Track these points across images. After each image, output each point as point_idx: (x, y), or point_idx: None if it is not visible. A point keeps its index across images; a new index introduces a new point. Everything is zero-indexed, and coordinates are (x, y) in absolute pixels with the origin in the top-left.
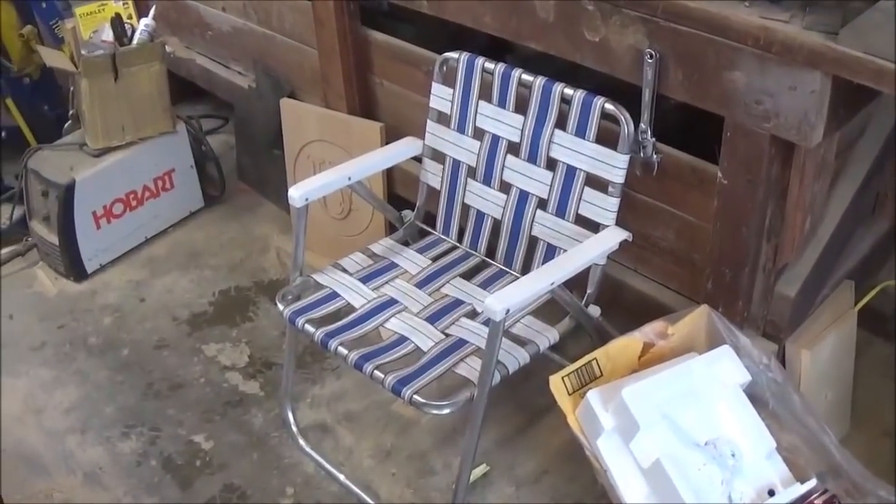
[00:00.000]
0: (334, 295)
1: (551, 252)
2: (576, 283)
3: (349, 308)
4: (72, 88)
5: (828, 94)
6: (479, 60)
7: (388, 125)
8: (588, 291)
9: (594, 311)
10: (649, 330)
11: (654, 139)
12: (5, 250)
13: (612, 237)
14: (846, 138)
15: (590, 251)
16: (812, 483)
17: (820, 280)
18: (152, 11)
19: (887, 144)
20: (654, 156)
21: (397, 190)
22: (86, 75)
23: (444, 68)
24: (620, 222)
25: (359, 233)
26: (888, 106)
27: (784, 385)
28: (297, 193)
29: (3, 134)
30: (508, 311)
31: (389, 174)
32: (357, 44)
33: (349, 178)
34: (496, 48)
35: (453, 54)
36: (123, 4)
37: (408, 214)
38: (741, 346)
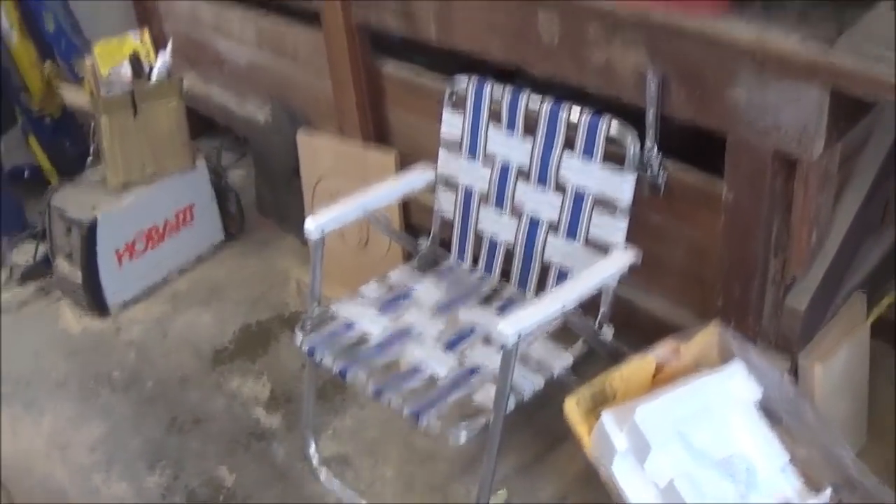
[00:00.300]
0: (352, 325)
1: (564, 275)
2: (589, 304)
3: (367, 337)
4: (92, 125)
5: (827, 105)
6: (488, 85)
7: (403, 153)
8: (601, 313)
9: (607, 332)
10: (662, 349)
11: (660, 157)
12: (30, 287)
13: (622, 259)
14: (849, 148)
15: (599, 274)
16: (827, 494)
17: (830, 292)
18: (169, 48)
19: (892, 152)
20: (661, 174)
21: (413, 218)
22: (105, 112)
23: (454, 95)
24: (631, 242)
25: (377, 262)
26: (891, 114)
27: (797, 399)
28: (313, 225)
29: (26, 173)
30: (520, 335)
31: (405, 203)
32: (370, 74)
33: (364, 209)
34: (509, 72)
35: (462, 80)
36: (141, 41)
37: (423, 242)
38: (753, 361)
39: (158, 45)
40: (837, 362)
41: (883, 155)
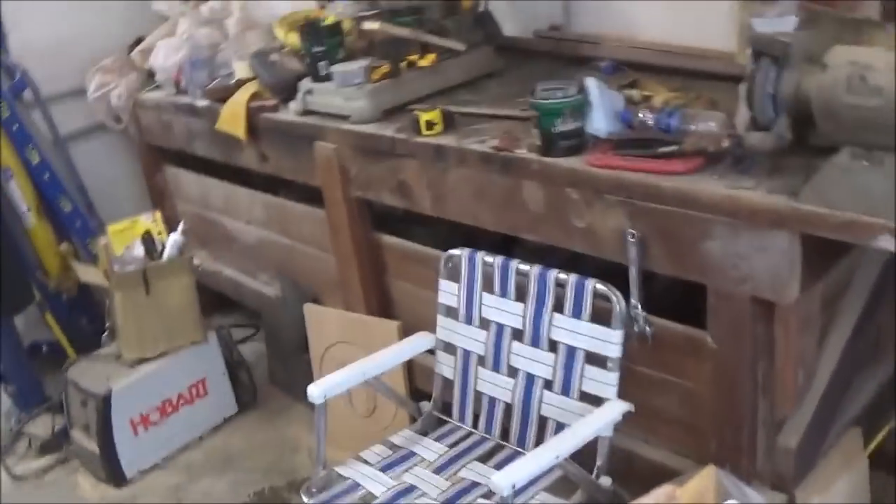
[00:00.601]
0: (356, 485)
1: (561, 430)
2: (587, 455)
3: (370, 496)
4: (107, 302)
5: (798, 250)
6: (480, 255)
7: (406, 322)
8: (597, 464)
9: (605, 482)
10: (658, 494)
11: (644, 313)
12: (48, 458)
13: (614, 410)
14: (833, 286)
15: (592, 425)
16: None
17: (823, 428)
18: (181, 227)
19: (877, 288)
20: (647, 328)
21: (418, 383)
22: (118, 289)
23: (450, 264)
24: (624, 394)
25: (385, 428)
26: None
27: None
28: (316, 391)
29: (44, 348)
30: (515, 486)
31: (410, 369)
32: (371, 248)
33: (364, 375)
34: (508, 238)
35: (456, 251)
36: (153, 221)
37: (425, 405)
38: (750, 501)
39: (171, 224)
40: (836, 496)
41: (867, 291)
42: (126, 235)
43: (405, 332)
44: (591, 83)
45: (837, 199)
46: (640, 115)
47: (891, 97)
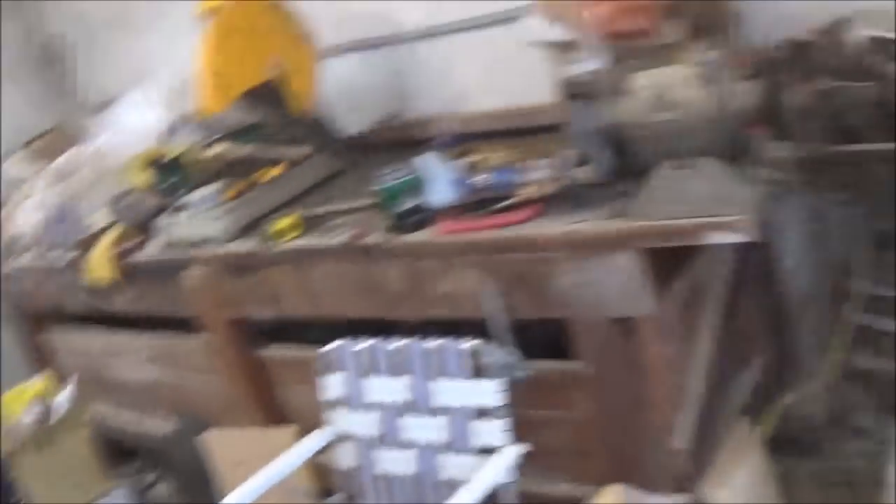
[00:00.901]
0: None
1: None
2: None
3: None
4: (12, 472)
5: (641, 265)
6: (352, 344)
7: (305, 424)
8: None
9: None
10: None
11: (518, 359)
12: None
13: (507, 456)
14: (689, 290)
15: (487, 475)
16: None
17: (709, 425)
18: (70, 383)
19: (734, 283)
20: (524, 372)
21: (326, 480)
22: (18, 457)
23: (326, 360)
24: (520, 438)
25: None
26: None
27: None
28: None
29: None
30: None
31: (316, 469)
32: (255, 363)
33: (267, 483)
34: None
35: (328, 347)
36: (42, 382)
37: (335, 499)
38: None
39: (61, 382)
40: (738, 485)
41: (724, 288)
42: (18, 402)
43: (305, 434)
44: (423, 160)
45: (665, 209)
46: (477, 178)
47: (688, 107)
